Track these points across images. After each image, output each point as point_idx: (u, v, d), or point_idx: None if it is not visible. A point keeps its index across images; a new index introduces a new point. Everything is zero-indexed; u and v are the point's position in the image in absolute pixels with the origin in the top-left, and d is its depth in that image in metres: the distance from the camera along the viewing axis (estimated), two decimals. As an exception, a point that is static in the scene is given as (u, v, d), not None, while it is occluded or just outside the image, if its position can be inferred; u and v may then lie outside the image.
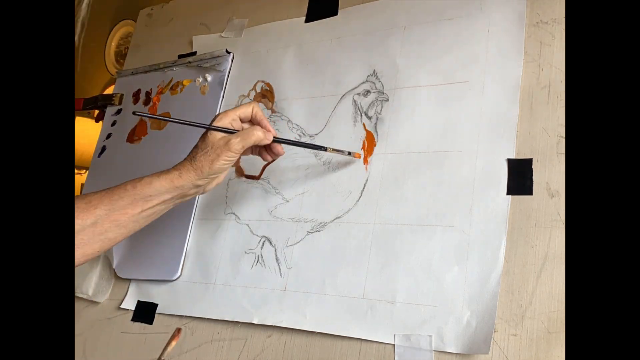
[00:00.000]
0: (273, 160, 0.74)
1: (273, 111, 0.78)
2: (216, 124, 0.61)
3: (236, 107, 0.62)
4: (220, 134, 0.60)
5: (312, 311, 0.63)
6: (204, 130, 0.61)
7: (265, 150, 0.65)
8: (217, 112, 0.82)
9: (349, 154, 0.68)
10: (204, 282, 0.73)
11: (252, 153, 0.65)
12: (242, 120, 0.63)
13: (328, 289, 0.64)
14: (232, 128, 0.61)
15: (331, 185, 0.69)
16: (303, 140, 0.73)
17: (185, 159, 0.61)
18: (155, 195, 0.60)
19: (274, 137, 0.63)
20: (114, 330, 0.78)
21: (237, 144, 0.60)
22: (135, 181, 0.60)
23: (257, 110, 0.63)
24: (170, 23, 1.01)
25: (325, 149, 0.67)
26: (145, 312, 0.76)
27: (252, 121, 0.64)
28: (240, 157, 0.65)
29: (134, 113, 0.64)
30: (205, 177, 0.60)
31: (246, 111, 0.62)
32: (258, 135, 0.61)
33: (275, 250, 0.69)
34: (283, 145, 0.65)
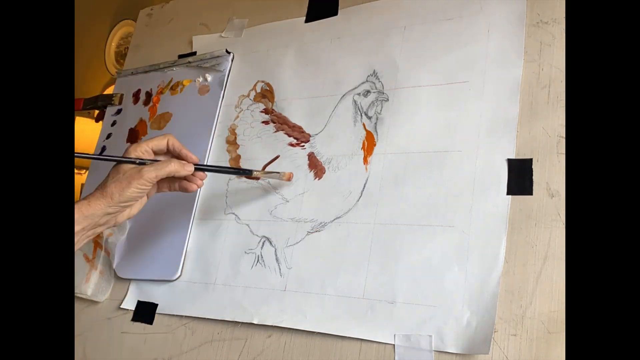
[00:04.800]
0: (272, 161, 0.74)
1: (273, 112, 0.78)
2: (127, 155, 0.60)
3: (150, 139, 0.63)
4: (131, 164, 0.60)
5: (312, 311, 0.63)
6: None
7: (187, 180, 0.65)
8: (216, 114, 0.83)
9: (279, 173, 0.69)
10: (204, 282, 0.73)
11: (170, 189, 0.65)
12: (156, 153, 0.63)
13: (328, 289, 0.64)
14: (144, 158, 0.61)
15: (331, 185, 0.69)
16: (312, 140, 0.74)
17: (95, 189, 0.60)
18: None
19: (196, 165, 0.63)
20: (114, 330, 0.78)
21: (149, 172, 0.59)
22: None
23: (173, 141, 0.63)
24: (170, 23, 1.01)
25: (250, 172, 0.68)
26: (145, 312, 0.76)
27: (171, 153, 0.64)
28: (161, 187, 0.65)
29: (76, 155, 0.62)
30: (115, 205, 0.59)
31: (160, 144, 0.63)
32: (173, 167, 0.61)
33: (275, 250, 0.69)
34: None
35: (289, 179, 0.71)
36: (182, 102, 0.88)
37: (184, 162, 0.63)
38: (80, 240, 0.60)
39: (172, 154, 0.64)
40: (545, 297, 0.53)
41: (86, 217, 0.58)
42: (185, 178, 0.65)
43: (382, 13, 0.74)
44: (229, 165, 0.69)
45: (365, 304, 0.61)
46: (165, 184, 0.65)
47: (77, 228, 0.58)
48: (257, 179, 0.74)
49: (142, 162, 0.61)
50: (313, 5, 0.82)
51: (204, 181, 0.67)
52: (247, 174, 0.68)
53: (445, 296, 0.57)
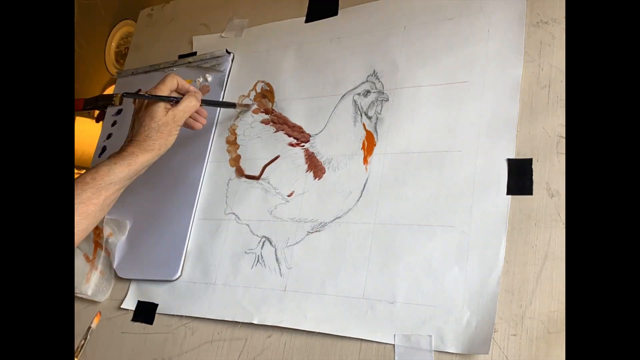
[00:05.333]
0: (272, 161, 0.74)
1: (273, 112, 0.78)
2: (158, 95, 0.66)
3: (161, 82, 0.67)
4: (162, 110, 0.65)
5: (312, 311, 0.63)
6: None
7: (192, 118, 0.71)
8: (216, 114, 0.82)
9: (248, 105, 0.79)
10: (204, 282, 0.73)
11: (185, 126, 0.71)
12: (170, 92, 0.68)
13: (328, 289, 0.64)
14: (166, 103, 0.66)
15: (331, 185, 0.69)
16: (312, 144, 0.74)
17: (133, 140, 0.65)
18: (116, 181, 0.62)
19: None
20: (114, 330, 0.78)
21: (182, 116, 0.66)
22: (92, 172, 0.62)
23: (179, 79, 0.69)
24: (171, 23, 1.01)
25: (234, 105, 0.78)
26: (145, 312, 0.76)
27: (178, 91, 0.69)
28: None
29: (124, 95, 0.69)
30: (160, 154, 0.65)
31: (173, 83, 0.68)
32: (195, 104, 0.67)
33: (275, 250, 0.69)
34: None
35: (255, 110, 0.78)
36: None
37: (194, 94, 0.68)
38: (124, 188, 0.65)
39: (179, 92, 0.69)
40: (545, 297, 0.53)
41: (135, 170, 0.64)
42: (191, 116, 0.70)
43: (382, 13, 0.75)
44: (219, 102, 0.81)
45: (365, 304, 0.61)
46: None
47: (127, 182, 0.64)
48: (259, 177, 0.75)
49: (177, 100, 0.67)
50: (313, 5, 0.82)
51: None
52: (231, 106, 0.79)
53: (445, 296, 0.57)
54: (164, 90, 0.66)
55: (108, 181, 0.62)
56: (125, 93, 0.69)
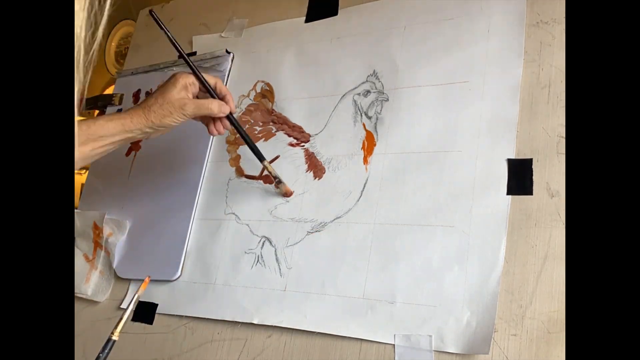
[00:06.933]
0: (272, 161, 0.74)
1: (273, 112, 0.78)
2: (175, 80, 0.64)
3: (208, 75, 0.66)
4: (179, 95, 0.64)
5: (312, 311, 0.63)
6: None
7: (213, 122, 0.68)
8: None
9: (282, 183, 0.70)
10: (204, 282, 0.73)
11: (200, 120, 0.68)
12: (201, 89, 0.66)
13: (328, 289, 0.64)
14: (188, 91, 0.65)
15: (331, 185, 0.69)
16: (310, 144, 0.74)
17: (139, 104, 0.65)
18: (106, 136, 0.62)
19: (229, 114, 0.67)
20: (114, 330, 0.78)
21: (191, 108, 0.64)
22: (89, 121, 0.63)
23: (220, 84, 0.67)
24: (171, 23, 1.01)
25: (263, 159, 0.69)
26: (145, 312, 0.76)
27: (217, 90, 0.67)
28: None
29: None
30: (152, 127, 0.64)
31: (209, 81, 0.66)
32: (212, 109, 0.65)
33: (275, 250, 0.69)
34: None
35: (286, 195, 0.71)
36: (182, 102, 0.88)
37: (222, 103, 0.66)
38: (114, 148, 0.65)
39: (218, 95, 0.67)
40: (545, 297, 0.53)
41: (126, 131, 0.63)
42: (213, 121, 0.68)
43: (382, 13, 0.74)
44: (251, 143, 0.69)
45: (365, 304, 0.61)
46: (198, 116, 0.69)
47: (116, 138, 0.64)
48: (260, 177, 0.74)
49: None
50: (313, 5, 0.82)
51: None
52: (261, 158, 0.69)
53: (445, 296, 0.57)
54: (209, 79, 0.66)
55: (99, 133, 0.62)
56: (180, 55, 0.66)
